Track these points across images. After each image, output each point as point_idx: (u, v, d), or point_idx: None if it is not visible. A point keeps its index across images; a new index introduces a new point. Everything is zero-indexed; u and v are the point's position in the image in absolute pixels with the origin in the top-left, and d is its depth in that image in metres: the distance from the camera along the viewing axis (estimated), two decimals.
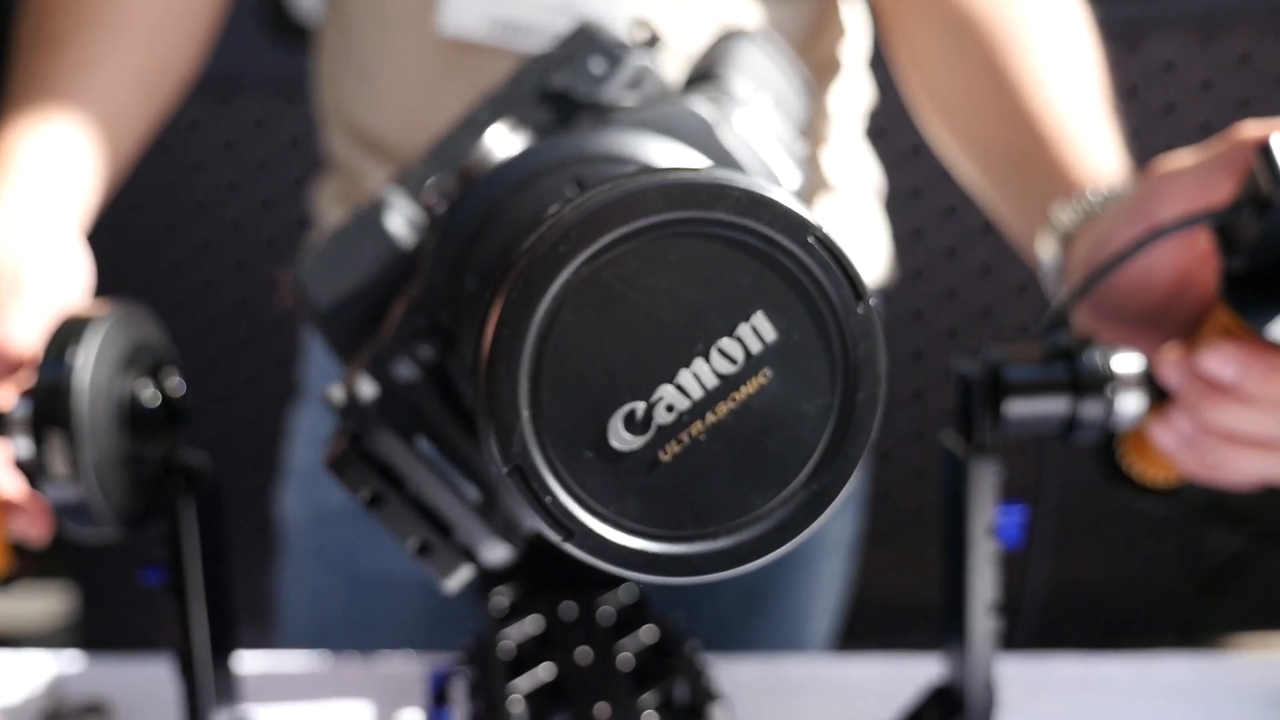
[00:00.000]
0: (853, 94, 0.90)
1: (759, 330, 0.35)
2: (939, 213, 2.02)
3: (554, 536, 0.35)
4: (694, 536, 0.35)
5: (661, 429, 0.35)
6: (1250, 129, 0.54)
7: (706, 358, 0.35)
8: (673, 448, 0.35)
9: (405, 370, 0.48)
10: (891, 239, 0.94)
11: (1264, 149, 0.50)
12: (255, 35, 2.27)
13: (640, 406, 0.35)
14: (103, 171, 0.69)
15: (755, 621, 0.88)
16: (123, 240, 2.23)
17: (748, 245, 0.35)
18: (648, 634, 0.61)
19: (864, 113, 0.92)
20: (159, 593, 0.56)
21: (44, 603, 2.45)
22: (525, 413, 0.34)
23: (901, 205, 2.09)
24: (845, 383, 0.36)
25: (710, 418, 0.35)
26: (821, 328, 0.35)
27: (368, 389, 0.48)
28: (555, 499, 0.35)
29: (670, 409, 0.35)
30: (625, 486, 0.35)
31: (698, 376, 0.35)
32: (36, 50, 0.70)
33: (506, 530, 0.50)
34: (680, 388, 0.35)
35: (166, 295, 2.21)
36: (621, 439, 0.35)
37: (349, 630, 0.85)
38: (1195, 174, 0.56)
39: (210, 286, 2.18)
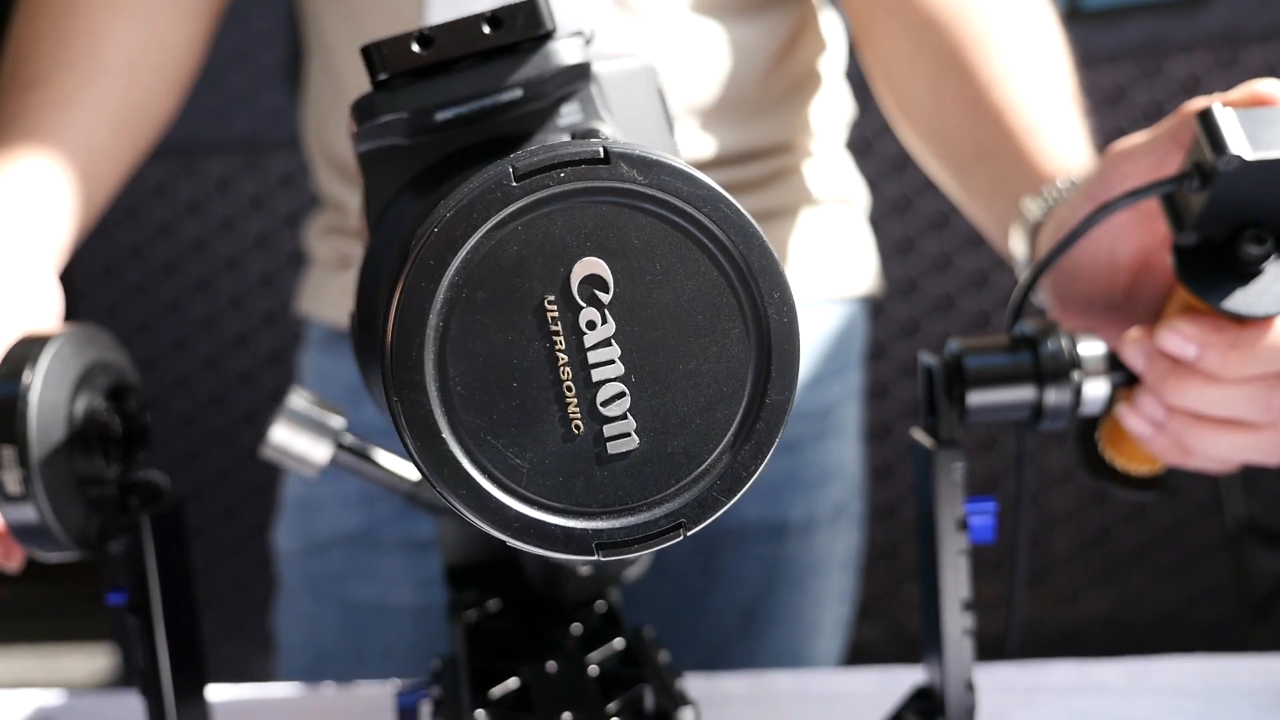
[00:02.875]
0: (833, 107, 0.90)
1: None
2: (930, 223, 2.01)
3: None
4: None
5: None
6: (1199, 103, 0.53)
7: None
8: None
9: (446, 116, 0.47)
10: (884, 250, 0.93)
11: (1204, 115, 0.49)
12: (279, 96, 2.32)
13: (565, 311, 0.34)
14: (78, 207, 0.70)
15: (754, 642, 0.87)
16: (157, 295, 2.26)
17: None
18: (618, 646, 0.60)
19: (845, 124, 0.92)
20: (121, 613, 0.56)
21: (89, 663, 2.47)
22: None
23: (892, 216, 2.10)
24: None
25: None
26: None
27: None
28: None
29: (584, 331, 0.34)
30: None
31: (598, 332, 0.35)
32: (14, 91, 0.72)
33: None
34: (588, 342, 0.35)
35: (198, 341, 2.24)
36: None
37: (343, 661, 0.85)
38: (1146, 150, 0.55)
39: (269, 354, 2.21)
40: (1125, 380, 0.57)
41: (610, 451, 0.35)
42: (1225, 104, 0.50)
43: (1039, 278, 0.57)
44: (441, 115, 0.46)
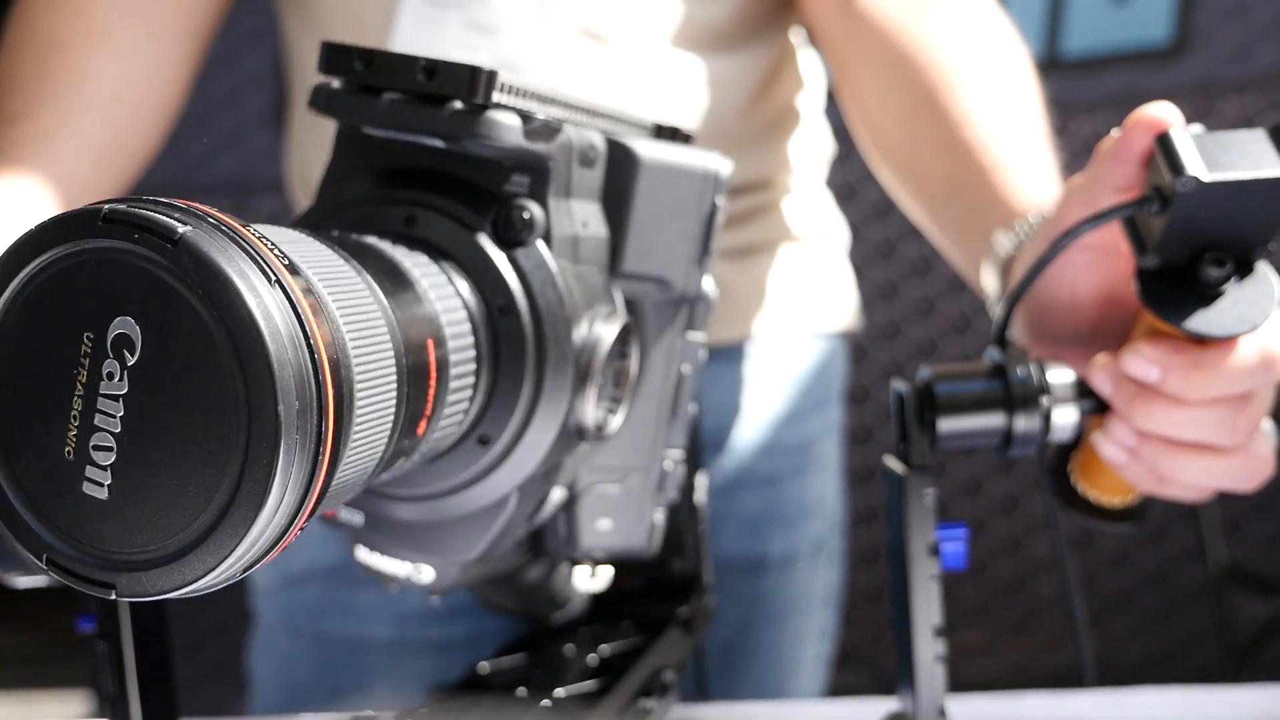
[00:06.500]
0: (813, 144, 0.91)
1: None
2: (913, 268, 2.03)
3: None
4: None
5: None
6: (1141, 111, 0.53)
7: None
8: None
9: None
10: (867, 295, 0.94)
11: (1162, 138, 0.50)
12: (267, 139, 2.33)
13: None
14: None
15: (733, 679, 0.86)
16: None
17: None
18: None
19: (825, 162, 0.93)
20: (90, 640, 0.56)
21: (66, 709, 2.44)
22: None
23: (875, 261, 2.12)
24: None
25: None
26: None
27: None
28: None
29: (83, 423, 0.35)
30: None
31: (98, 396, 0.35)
32: None
33: None
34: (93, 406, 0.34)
35: None
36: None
37: (318, 697, 0.84)
38: (1093, 172, 0.56)
39: None
40: (1094, 408, 0.57)
41: (85, 492, 0.35)
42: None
43: (1013, 311, 0.57)
44: (370, 130, 0.49)
